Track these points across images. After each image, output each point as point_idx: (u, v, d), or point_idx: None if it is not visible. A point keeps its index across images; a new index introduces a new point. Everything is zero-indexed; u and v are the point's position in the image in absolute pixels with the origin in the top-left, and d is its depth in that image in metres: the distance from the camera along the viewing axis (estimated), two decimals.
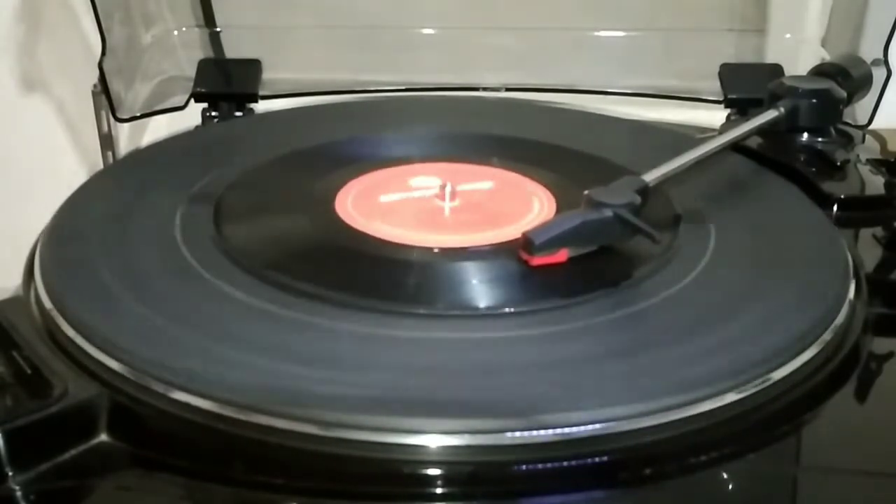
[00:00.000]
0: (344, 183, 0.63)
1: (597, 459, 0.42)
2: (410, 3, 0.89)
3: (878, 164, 0.71)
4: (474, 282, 0.53)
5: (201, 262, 0.54)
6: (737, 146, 0.68)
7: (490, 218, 0.59)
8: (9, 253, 0.56)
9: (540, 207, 0.61)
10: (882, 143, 0.78)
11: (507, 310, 0.51)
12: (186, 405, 0.44)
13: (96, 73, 0.77)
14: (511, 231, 0.56)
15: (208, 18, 0.88)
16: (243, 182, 0.63)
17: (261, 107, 0.83)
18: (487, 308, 0.51)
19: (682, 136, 0.73)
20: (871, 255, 0.60)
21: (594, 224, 0.53)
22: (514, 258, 0.53)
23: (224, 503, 0.43)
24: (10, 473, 0.41)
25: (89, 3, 0.74)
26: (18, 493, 0.41)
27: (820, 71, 0.78)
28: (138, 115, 0.81)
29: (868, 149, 0.76)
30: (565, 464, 0.42)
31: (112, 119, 0.80)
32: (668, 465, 0.43)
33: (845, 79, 0.76)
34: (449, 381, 0.45)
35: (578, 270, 0.53)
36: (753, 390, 0.46)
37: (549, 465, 0.42)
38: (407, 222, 0.58)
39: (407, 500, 0.42)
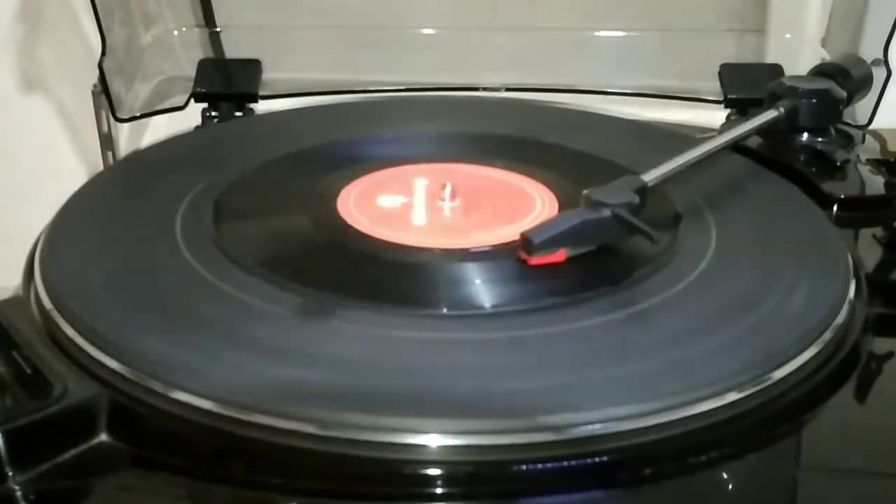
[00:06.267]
0: (345, 183, 0.63)
1: (597, 459, 0.42)
2: (410, 3, 0.89)
3: (878, 164, 0.71)
4: (474, 282, 0.53)
5: (202, 262, 0.54)
6: (737, 146, 0.68)
7: (490, 218, 0.59)
8: (9, 253, 0.56)
9: (540, 207, 0.61)
10: (882, 143, 0.77)
11: (506, 309, 0.51)
12: (186, 405, 0.44)
13: (96, 73, 0.77)
14: (511, 231, 0.56)
15: (208, 18, 0.88)
16: (243, 182, 0.63)
17: (261, 107, 0.83)
18: (487, 308, 0.51)
19: (682, 136, 0.73)
20: (871, 255, 0.60)
21: (593, 224, 0.53)
22: (513, 258, 0.53)
23: (224, 503, 0.43)
24: (10, 473, 0.41)
25: (89, 3, 0.74)
26: (18, 493, 0.41)
27: (820, 71, 0.77)
28: (138, 115, 0.81)
29: (868, 149, 0.76)
30: (565, 464, 0.42)
31: (112, 119, 0.80)
32: (668, 465, 0.43)
33: (845, 79, 0.76)
34: (449, 381, 0.45)
35: (577, 270, 0.53)
36: (753, 390, 0.46)
37: (549, 465, 0.42)
38: (407, 223, 0.58)
39: (407, 500, 0.42)
